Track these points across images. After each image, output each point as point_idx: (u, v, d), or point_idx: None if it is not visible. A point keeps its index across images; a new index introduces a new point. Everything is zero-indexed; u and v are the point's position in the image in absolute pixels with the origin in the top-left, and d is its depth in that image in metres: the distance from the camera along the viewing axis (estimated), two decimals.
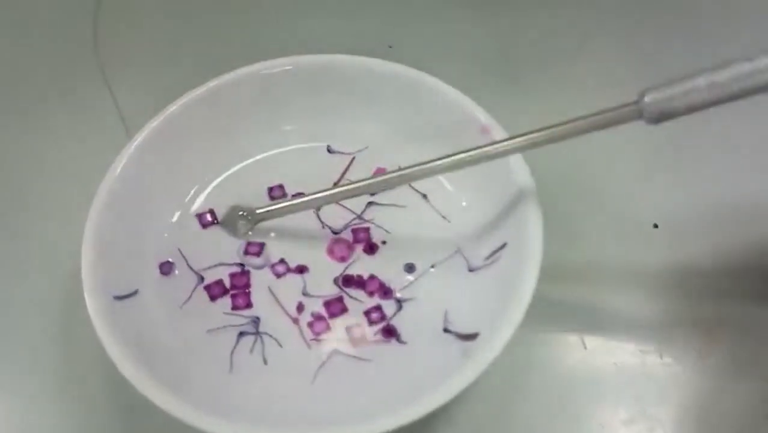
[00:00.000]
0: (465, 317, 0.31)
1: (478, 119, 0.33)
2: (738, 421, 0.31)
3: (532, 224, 0.30)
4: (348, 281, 0.33)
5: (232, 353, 0.31)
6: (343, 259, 0.34)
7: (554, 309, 0.34)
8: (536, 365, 0.33)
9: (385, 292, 0.33)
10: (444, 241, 0.34)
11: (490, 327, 0.28)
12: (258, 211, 0.34)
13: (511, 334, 0.28)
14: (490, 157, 0.31)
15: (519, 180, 0.32)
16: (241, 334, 0.31)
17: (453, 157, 0.31)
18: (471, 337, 0.29)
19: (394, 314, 0.32)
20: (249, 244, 0.34)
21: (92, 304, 0.29)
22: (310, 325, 0.32)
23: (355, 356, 0.31)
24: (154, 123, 0.33)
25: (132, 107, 0.40)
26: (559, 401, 0.32)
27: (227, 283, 0.33)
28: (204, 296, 0.33)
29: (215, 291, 0.33)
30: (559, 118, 0.30)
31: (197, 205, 0.35)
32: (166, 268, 0.33)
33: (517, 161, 0.32)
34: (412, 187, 0.35)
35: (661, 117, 0.28)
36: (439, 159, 0.31)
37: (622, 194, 0.38)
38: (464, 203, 0.35)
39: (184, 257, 0.33)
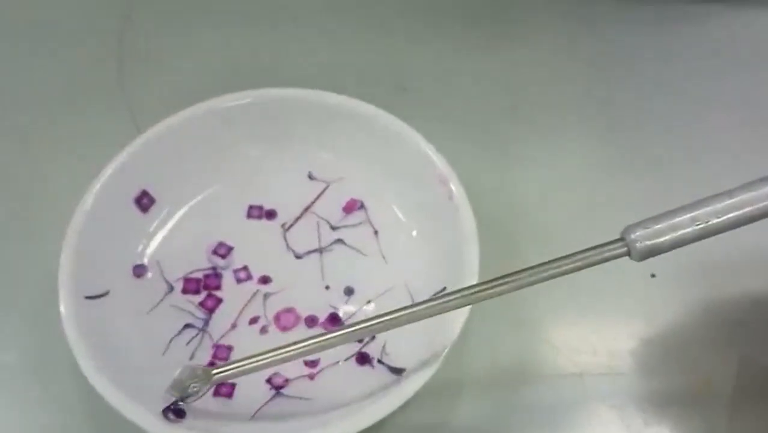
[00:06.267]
0: (400, 351, 0.34)
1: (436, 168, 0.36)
2: None
3: (468, 274, 0.33)
4: None
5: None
6: None
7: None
8: None
9: (333, 318, 0.36)
10: (391, 277, 0.37)
11: (415, 364, 0.31)
12: (214, 372, 0.31)
13: (430, 374, 0.31)
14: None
15: (465, 225, 0.34)
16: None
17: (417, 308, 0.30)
18: (399, 371, 0.32)
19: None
20: (219, 244, 0.37)
21: (65, 302, 0.32)
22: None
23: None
24: (131, 148, 0.36)
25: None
26: None
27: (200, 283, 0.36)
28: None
29: (189, 287, 0.36)
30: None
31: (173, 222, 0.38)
32: (138, 271, 0.36)
33: (466, 212, 0.35)
34: (369, 222, 0.38)
35: (648, 255, 0.28)
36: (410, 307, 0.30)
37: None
38: (414, 232, 0.38)
39: (159, 265, 0.37)
